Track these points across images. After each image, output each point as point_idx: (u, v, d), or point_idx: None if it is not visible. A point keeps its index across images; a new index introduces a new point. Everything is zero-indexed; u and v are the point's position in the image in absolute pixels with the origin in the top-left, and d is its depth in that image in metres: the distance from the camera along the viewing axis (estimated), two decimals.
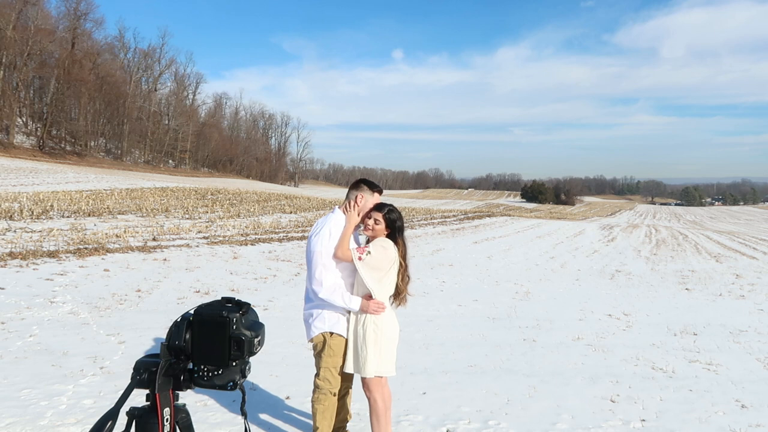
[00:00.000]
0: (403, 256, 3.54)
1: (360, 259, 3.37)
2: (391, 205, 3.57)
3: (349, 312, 3.45)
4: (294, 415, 4.38)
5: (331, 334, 3.43)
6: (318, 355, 3.48)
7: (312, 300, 3.47)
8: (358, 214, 3.50)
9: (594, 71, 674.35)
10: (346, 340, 3.44)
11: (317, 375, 3.49)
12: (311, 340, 3.50)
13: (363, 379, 3.47)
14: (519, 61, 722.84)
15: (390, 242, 3.47)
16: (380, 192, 3.63)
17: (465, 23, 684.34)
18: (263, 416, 4.34)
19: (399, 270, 3.49)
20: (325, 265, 3.37)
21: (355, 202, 3.52)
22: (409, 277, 3.59)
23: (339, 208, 3.58)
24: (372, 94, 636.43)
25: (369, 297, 3.41)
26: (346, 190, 3.66)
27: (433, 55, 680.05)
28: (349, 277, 3.48)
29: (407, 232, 3.68)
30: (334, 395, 3.48)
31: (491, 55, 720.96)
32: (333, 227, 3.44)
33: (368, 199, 3.55)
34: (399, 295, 3.55)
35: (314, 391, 3.49)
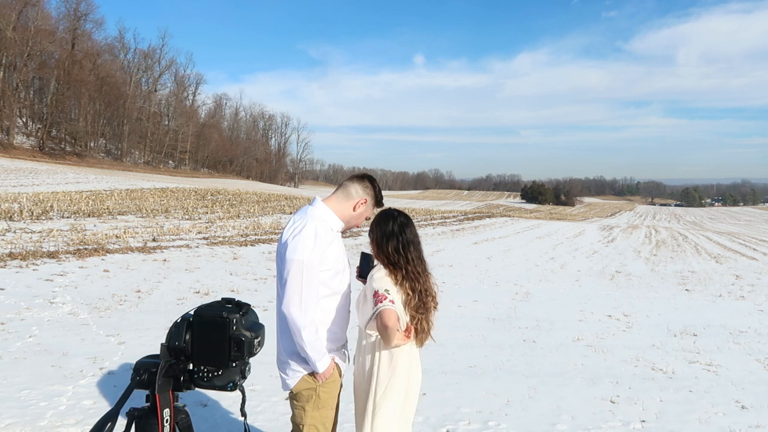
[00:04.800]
0: (411, 289, 2.56)
1: (393, 302, 2.51)
2: (393, 214, 2.66)
3: (342, 345, 2.65)
4: None
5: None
6: (299, 407, 2.55)
7: (287, 331, 2.51)
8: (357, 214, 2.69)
9: (609, 75, 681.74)
10: (341, 385, 2.61)
11: None
12: (291, 391, 2.57)
13: None
14: (536, 65, 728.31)
15: (390, 279, 2.55)
16: (381, 206, 2.78)
17: (489, 30, 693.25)
18: (263, 417, 4.34)
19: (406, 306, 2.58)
20: (307, 282, 2.39)
21: (345, 198, 2.66)
22: (429, 324, 2.65)
23: (320, 199, 2.67)
24: (389, 98, 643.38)
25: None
26: None
27: (453, 60, 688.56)
28: (343, 302, 2.62)
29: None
30: None
31: (510, 61, 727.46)
32: (319, 225, 2.49)
33: (367, 209, 2.73)
34: (422, 331, 2.64)
35: None
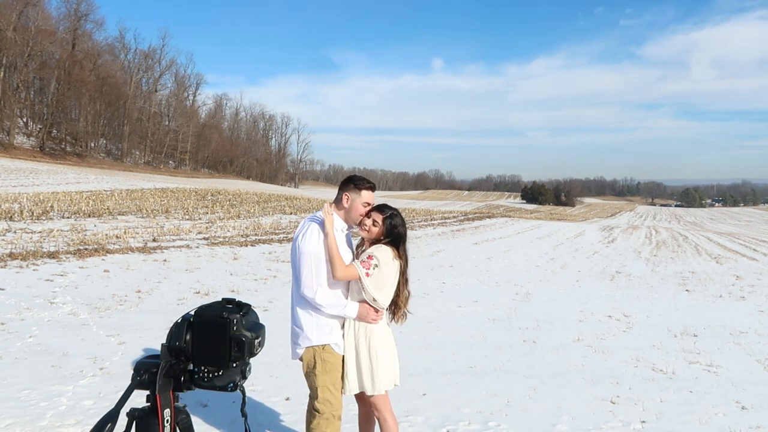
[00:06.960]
0: (404, 269, 3.19)
1: (368, 275, 3.01)
2: (395, 209, 3.23)
3: (342, 323, 3.10)
4: (294, 416, 4.37)
5: (323, 347, 3.02)
6: (311, 373, 3.04)
7: (298, 311, 3.08)
8: (344, 211, 3.16)
9: (623, 78, 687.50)
10: (343, 355, 3.07)
11: (315, 398, 3.03)
12: (300, 358, 3.09)
13: (369, 399, 3.15)
14: (551, 69, 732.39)
15: (392, 253, 3.12)
16: (370, 188, 3.17)
17: (509, 37, 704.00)
18: (263, 417, 4.34)
19: (398, 284, 3.18)
20: (317, 269, 2.98)
21: (336, 204, 3.19)
22: (409, 293, 3.25)
23: (329, 205, 3.20)
24: (399, 99, 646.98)
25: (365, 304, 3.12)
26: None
27: (470, 64, 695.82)
28: (345, 284, 3.12)
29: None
30: (339, 419, 3.05)
31: (526, 65, 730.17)
32: (322, 225, 3.08)
33: (354, 198, 3.14)
34: (398, 311, 3.21)
35: (312, 418, 3.04)
